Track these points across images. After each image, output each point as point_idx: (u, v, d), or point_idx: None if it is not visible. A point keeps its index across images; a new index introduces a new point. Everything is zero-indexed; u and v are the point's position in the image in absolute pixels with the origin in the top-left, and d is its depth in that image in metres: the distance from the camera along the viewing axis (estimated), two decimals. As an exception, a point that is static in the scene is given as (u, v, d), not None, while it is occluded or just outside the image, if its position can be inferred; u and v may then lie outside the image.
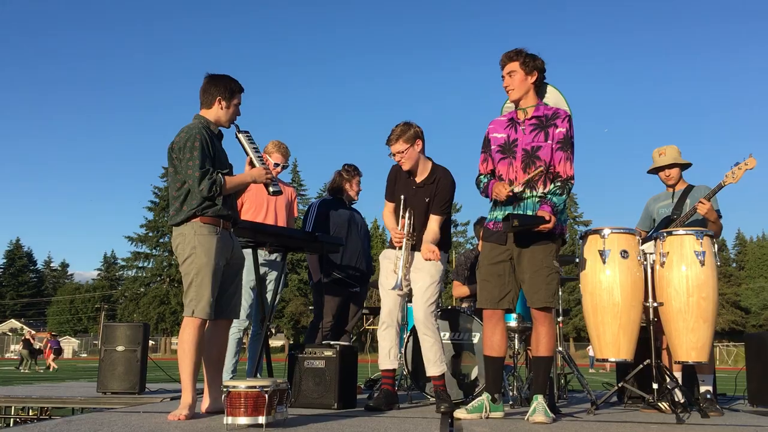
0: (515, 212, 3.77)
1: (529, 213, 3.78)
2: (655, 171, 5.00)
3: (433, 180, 4.37)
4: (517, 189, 3.79)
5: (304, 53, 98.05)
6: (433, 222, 4.33)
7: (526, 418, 3.65)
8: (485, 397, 3.81)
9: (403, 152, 4.30)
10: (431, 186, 4.35)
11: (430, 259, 4.20)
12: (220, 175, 3.69)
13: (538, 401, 3.67)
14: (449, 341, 4.91)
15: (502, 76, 3.93)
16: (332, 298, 5.53)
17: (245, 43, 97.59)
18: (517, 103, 3.92)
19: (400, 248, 4.29)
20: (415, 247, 4.34)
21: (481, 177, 4.04)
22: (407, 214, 4.33)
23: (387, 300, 4.36)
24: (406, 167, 4.36)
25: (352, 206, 5.84)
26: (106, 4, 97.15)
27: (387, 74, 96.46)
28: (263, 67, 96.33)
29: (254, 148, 3.90)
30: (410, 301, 4.46)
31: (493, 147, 3.97)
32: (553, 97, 4.11)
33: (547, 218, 3.66)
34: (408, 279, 4.33)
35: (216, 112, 3.86)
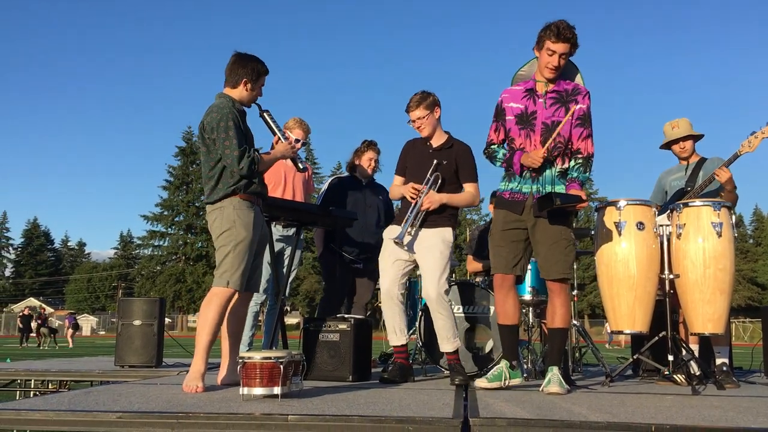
0: (551, 191, 3.73)
1: (549, 187, 3.77)
2: (668, 145, 4.94)
3: (450, 145, 4.35)
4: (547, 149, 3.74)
5: (323, 29, 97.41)
6: (470, 187, 4.34)
7: (541, 389, 3.65)
8: (504, 365, 3.82)
9: (422, 118, 4.29)
10: (448, 151, 4.33)
11: (428, 206, 4.21)
12: (256, 153, 3.78)
13: (554, 372, 3.67)
14: (463, 314, 4.91)
15: (551, 51, 3.70)
16: (336, 274, 5.55)
17: (270, 16, 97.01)
18: (549, 80, 3.81)
19: (413, 204, 4.24)
20: (423, 223, 4.28)
21: (495, 147, 3.98)
22: (433, 178, 4.27)
23: (384, 278, 4.33)
24: (425, 133, 4.34)
25: (374, 183, 5.81)
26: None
27: (408, 55, 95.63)
28: (282, 41, 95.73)
29: (278, 126, 4.01)
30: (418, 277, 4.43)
31: (509, 117, 3.91)
32: (571, 75, 4.01)
33: (584, 197, 3.67)
34: (411, 233, 4.27)
35: (240, 93, 3.90)
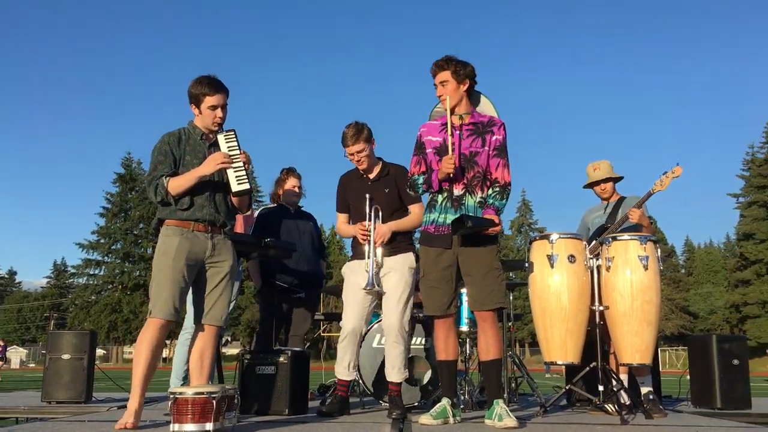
0: (463, 213, 3.81)
1: (471, 215, 3.82)
2: (591, 185, 5.15)
3: (387, 172, 4.40)
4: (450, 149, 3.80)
5: (267, 54, 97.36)
6: (415, 208, 4.37)
7: (493, 425, 3.62)
8: (446, 402, 3.82)
9: (361, 152, 4.30)
10: (386, 179, 4.39)
11: (380, 241, 4.25)
12: (163, 177, 3.63)
13: (501, 406, 3.68)
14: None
15: (435, 85, 3.94)
16: (274, 304, 5.52)
17: (201, 47, 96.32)
18: (452, 110, 3.93)
19: (366, 244, 4.25)
20: (390, 250, 4.31)
21: (416, 177, 4.03)
22: (373, 212, 4.30)
23: (351, 315, 4.31)
24: (364, 166, 4.35)
25: (301, 210, 5.83)
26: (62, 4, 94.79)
27: (352, 80, 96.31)
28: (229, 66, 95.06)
29: (230, 146, 3.76)
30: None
31: (428, 150, 3.99)
32: (483, 106, 4.16)
33: (497, 221, 3.73)
34: (379, 277, 4.29)
35: (197, 119, 3.83)
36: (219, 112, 3.77)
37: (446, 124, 3.96)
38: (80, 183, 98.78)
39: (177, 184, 3.63)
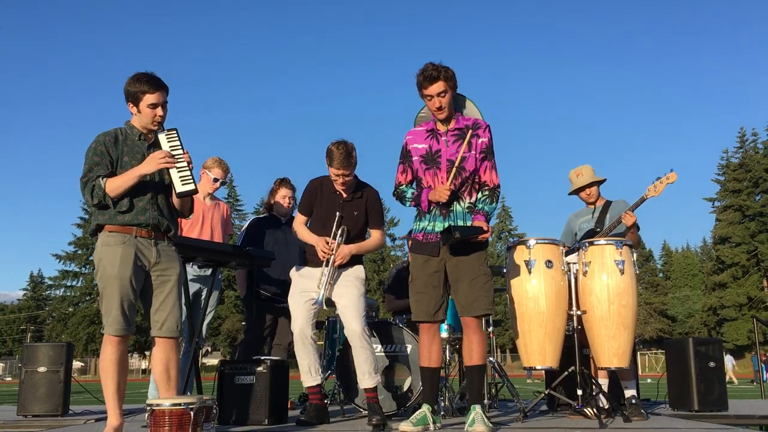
0: (450, 223, 3.80)
1: (460, 222, 3.83)
2: (576, 192, 5.18)
3: (360, 195, 4.40)
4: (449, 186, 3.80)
5: (243, 63, 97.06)
6: (377, 234, 4.45)
7: (465, 429, 3.66)
8: (426, 409, 3.82)
9: (347, 176, 4.26)
10: (359, 201, 4.38)
11: (340, 262, 4.26)
12: (99, 179, 3.44)
13: (477, 411, 3.69)
14: (382, 353, 4.92)
15: (429, 96, 3.82)
16: (260, 314, 5.50)
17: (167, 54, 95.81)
18: (444, 120, 3.91)
19: (326, 263, 4.26)
20: (342, 265, 4.33)
21: (404, 187, 4.04)
22: (340, 231, 4.31)
23: (298, 317, 4.32)
24: (343, 187, 4.32)
25: (292, 220, 5.82)
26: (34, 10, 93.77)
27: (336, 92, 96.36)
28: (200, 77, 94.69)
29: (173, 146, 3.58)
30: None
31: (414, 158, 3.98)
32: (468, 109, 4.16)
33: (486, 228, 3.74)
34: (328, 290, 4.31)
35: (134, 118, 3.64)
36: (159, 111, 3.57)
37: (432, 130, 3.95)
38: (56, 192, 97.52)
39: (116, 185, 3.44)
